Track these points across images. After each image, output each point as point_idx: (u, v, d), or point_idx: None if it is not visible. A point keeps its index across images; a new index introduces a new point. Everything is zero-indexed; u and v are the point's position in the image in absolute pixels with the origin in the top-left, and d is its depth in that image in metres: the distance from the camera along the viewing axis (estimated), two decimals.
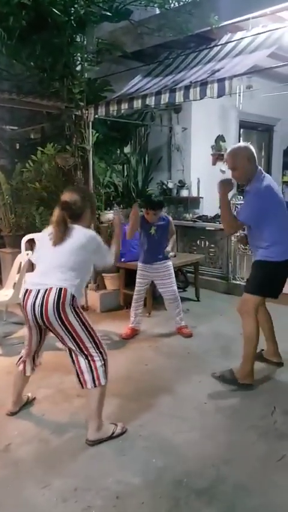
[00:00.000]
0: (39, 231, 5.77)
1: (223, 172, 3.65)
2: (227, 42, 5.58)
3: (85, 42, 5.81)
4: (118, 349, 4.59)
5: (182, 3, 5.76)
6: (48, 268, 2.92)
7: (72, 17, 5.32)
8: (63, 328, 2.85)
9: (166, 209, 7.27)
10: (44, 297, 2.83)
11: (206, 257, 6.77)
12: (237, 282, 6.42)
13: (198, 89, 4.67)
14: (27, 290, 2.95)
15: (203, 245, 7.00)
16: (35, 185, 6.26)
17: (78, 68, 6.02)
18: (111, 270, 5.90)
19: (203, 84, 4.65)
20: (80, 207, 2.98)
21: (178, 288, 5.16)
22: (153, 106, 5.40)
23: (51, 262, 2.92)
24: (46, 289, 2.84)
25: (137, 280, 4.96)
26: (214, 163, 8.08)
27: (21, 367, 3.24)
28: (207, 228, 6.93)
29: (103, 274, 6.05)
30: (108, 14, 5.70)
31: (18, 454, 2.88)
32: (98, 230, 5.62)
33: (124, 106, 5.37)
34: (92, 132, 5.98)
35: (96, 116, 5.82)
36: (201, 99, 4.74)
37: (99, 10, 5.63)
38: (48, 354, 3.53)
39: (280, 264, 3.58)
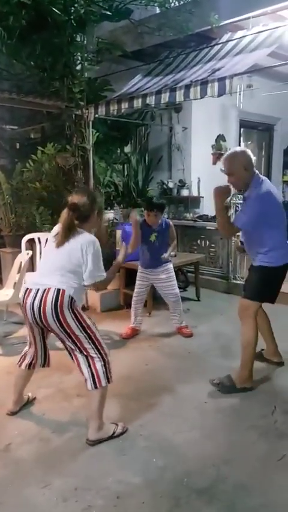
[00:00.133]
0: (40, 230, 5.85)
1: (223, 171, 3.60)
2: (227, 41, 5.59)
3: (85, 41, 5.82)
4: (118, 349, 4.59)
5: (182, 2, 5.77)
6: (50, 269, 2.93)
7: (72, 17, 5.32)
8: (61, 329, 2.85)
9: (166, 209, 7.28)
10: (42, 297, 2.84)
11: (206, 257, 6.77)
12: (238, 282, 6.41)
13: (198, 88, 4.67)
14: (27, 289, 2.96)
15: (203, 245, 7.00)
16: (35, 185, 6.26)
17: (79, 67, 6.02)
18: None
19: (204, 83, 4.65)
20: (88, 210, 2.97)
21: (178, 287, 5.15)
22: (153, 105, 5.40)
23: (53, 263, 2.93)
24: (45, 289, 2.85)
25: (137, 282, 4.95)
26: (214, 163, 8.06)
27: (25, 363, 3.24)
28: (207, 228, 6.92)
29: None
30: (108, 13, 5.71)
31: (18, 454, 2.88)
32: (98, 230, 5.61)
33: (124, 105, 5.38)
34: (92, 131, 5.99)
35: (97, 116, 5.82)
36: (201, 98, 4.74)
37: (99, 9, 5.63)
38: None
39: (279, 269, 3.56)
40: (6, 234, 6.65)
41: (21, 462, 2.79)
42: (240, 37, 5.49)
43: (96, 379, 2.90)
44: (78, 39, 5.79)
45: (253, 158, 3.57)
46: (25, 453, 2.88)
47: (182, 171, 8.19)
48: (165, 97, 4.95)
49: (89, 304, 5.93)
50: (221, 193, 3.47)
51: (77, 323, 2.86)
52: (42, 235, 5.40)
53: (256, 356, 3.82)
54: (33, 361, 3.24)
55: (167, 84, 5.26)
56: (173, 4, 5.77)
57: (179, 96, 4.82)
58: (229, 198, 3.73)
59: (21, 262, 5.05)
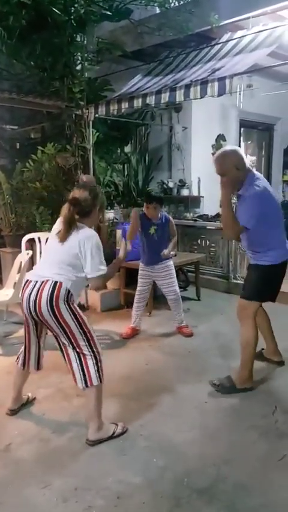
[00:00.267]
0: (40, 230, 5.85)
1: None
2: (227, 41, 5.59)
3: (85, 41, 5.82)
4: (118, 348, 4.59)
5: (182, 2, 5.77)
6: (50, 262, 2.96)
7: (72, 17, 5.32)
8: (56, 322, 2.85)
9: (166, 208, 7.29)
10: (39, 288, 2.85)
11: (206, 256, 6.77)
12: (238, 281, 6.41)
13: (198, 87, 4.67)
14: (27, 280, 2.99)
15: (203, 244, 6.99)
16: (36, 185, 6.27)
17: (79, 67, 6.03)
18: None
19: (204, 83, 4.65)
20: (89, 205, 2.98)
21: (179, 287, 5.15)
22: (153, 105, 5.41)
23: (53, 256, 2.95)
24: (43, 281, 2.86)
25: (139, 280, 4.96)
26: None
27: (20, 362, 3.24)
28: (207, 227, 6.93)
29: None
30: (109, 13, 5.71)
31: (18, 454, 2.88)
32: (99, 229, 5.62)
33: (124, 105, 5.38)
34: (92, 131, 5.99)
35: (97, 115, 5.82)
36: (201, 98, 4.75)
37: (99, 9, 5.63)
38: (47, 354, 3.52)
39: (277, 267, 3.53)
40: (6, 234, 6.65)
41: (21, 462, 2.79)
42: (240, 37, 5.49)
43: (87, 377, 2.89)
44: (78, 39, 5.79)
45: (244, 156, 3.49)
46: (25, 453, 2.88)
47: (182, 171, 8.19)
48: (165, 97, 4.95)
49: (89, 304, 5.93)
50: (231, 183, 3.39)
51: (73, 317, 2.86)
52: (42, 235, 5.40)
53: (256, 356, 3.82)
54: (27, 361, 3.23)
55: (167, 84, 5.27)
56: (173, 4, 5.77)
57: (179, 96, 4.83)
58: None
59: (21, 262, 5.05)
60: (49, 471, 2.69)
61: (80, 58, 6.01)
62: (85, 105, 5.84)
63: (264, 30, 5.22)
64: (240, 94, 6.86)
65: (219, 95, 4.56)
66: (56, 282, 2.83)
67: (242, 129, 9.14)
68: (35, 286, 2.89)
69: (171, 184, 8.18)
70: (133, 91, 5.60)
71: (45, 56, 5.54)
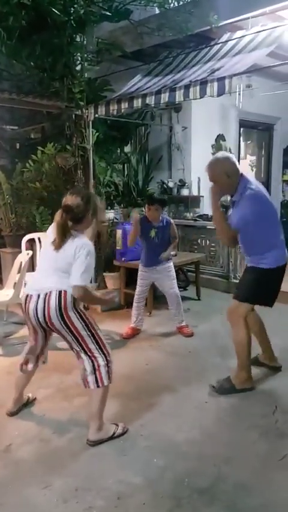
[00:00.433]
0: (40, 230, 5.85)
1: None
2: (226, 41, 5.59)
3: (85, 42, 5.82)
4: (119, 348, 4.59)
5: (181, 2, 5.77)
6: (47, 271, 2.95)
7: (72, 17, 5.32)
8: (67, 330, 2.87)
9: (167, 208, 7.29)
10: (45, 301, 2.85)
11: (206, 256, 6.77)
12: (238, 281, 6.40)
13: (198, 88, 4.68)
14: (27, 295, 2.97)
15: (203, 244, 7.00)
16: (36, 185, 6.27)
17: (78, 67, 6.03)
18: (112, 270, 5.94)
19: (203, 83, 4.65)
20: (82, 211, 2.96)
21: (179, 287, 5.16)
22: (153, 105, 5.41)
23: (50, 265, 2.94)
24: (46, 293, 2.86)
25: (138, 281, 4.97)
26: None
27: (22, 363, 3.25)
28: (207, 227, 6.92)
29: (104, 274, 6.06)
30: (108, 13, 5.70)
31: (18, 454, 2.88)
32: (99, 234, 5.64)
33: (124, 105, 5.38)
34: (92, 131, 5.99)
35: (97, 116, 5.83)
36: (201, 98, 4.75)
37: (99, 10, 5.63)
38: (48, 354, 3.53)
39: (273, 271, 3.48)
40: (6, 234, 6.66)
41: (21, 463, 2.80)
42: (240, 37, 5.49)
43: (99, 378, 2.91)
44: (78, 39, 5.79)
45: (237, 163, 3.49)
46: (25, 454, 2.88)
47: (182, 171, 8.19)
48: (164, 97, 4.96)
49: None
50: (222, 189, 3.47)
51: (82, 322, 2.88)
52: (42, 235, 5.39)
53: (252, 361, 3.82)
54: (26, 363, 3.24)
55: (167, 84, 5.27)
56: (172, 4, 5.76)
57: (179, 96, 4.83)
58: (227, 197, 3.67)
59: (21, 262, 5.06)
60: (49, 471, 2.69)
61: (79, 58, 6.01)
62: (85, 105, 5.84)
63: (264, 30, 5.22)
64: (239, 94, 6.84)
65: (219, 95, 4.56)
66: (60, 292, 2.83)
67: (241, 129, 9.13)
68: (38, 299, 2.88)
69: (171, 184, 8.18)
70: (133, 91, 5.61)
71: (45, 56, 5.54)
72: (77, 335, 2.88)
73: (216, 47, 5.68)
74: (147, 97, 5.12)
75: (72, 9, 5.36)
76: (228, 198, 3.62)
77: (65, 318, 2.83)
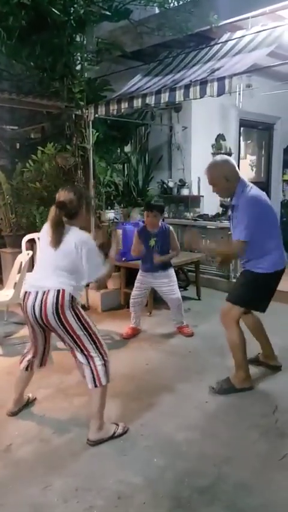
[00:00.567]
0: (40, 230, 5.82)
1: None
2: (226, 41, 5.58)
3: (85, 41, 5.82)
4: (119, 348, 4.59)
5: (181, 2, 5.77)
6: (46, 270, 2.95)
7: (71, 17, 5.32)
8: (63, 329, 2.87)
9: (167, 208, 7.29)
10: (42, 299, 2.85)
11: (207, 256, 6.76)
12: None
13: (198, 87, 4.67)
14: (26, 292, 2.97)
15: (203, 244, 6.98)
16: (36, 185, 6.27)
17: (78, 67, 6.03)
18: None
19: (203, 83, 4.65)
20: (75, 206, 2.98)
21: (179, 287, 5.15)
22: (153, 105, 5.40)
23: (49, 263, 2.94)
24: (44, 291, 2.86)
25: (136, 284, 4.95)
26: None
27: (23, 364, 3.25)
28: (208, 227, 6.92)
29: None
30: (108, 13, 5.70)
31: (19, 454, 2.88)
32: (99, 228, 5.63)
33: (124, 105, 5.38)
34: (92, 131, 5.99)
35: (97, 116, 5.82)
36: (201, 98, 4.75)
37: (99, 10, 5.63)
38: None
39: (270, 276, 3.46)
40: (6, 234, 6.66)
41: (21, 463, 2.80)
42: (240, 37, 5.48)
43: (96, 378, 2.91)
44: (77, 39, 5.79)
45: (235, 166, 3.50)
46: (26, 454, 2.89)
47: (182, 171, 8.18)
48: (164, 97, 4.95)
49: (89, 303, 5.93)
50: (191, 242, 3.57)
51: (78, 322, 2.87)
52: None
53: (253, 360, 3.81)
54: (32, 363, 3.24)
55: (167, 84, 5.27)
56: (172, 4, 5.76)
57: (179, 96, 4.82)
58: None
59: (21, 262, 5.06)
60: (50, 471, 2.69)
61: (79, 58, 6.01)
62: (85, 105, 5.84)
63: (264, 30, 5.22)
64: (239, 94, 6.85)
65: (219, 94, 4.55)
66: (58, 290, 2.83)
67: (241, 128, 9.13)
68: (36, 297, 2.88)
69: (171, 184, 8.18)
70: (133, 91, 5.60)
71: (45, 56, 5.54)
72: (73, 335, 2.88)
73: (216, 47, 5.67)
74: (147, 97, 5.12)
75: (72, 9, 5.36)
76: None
77: (61, 317, 2.83)
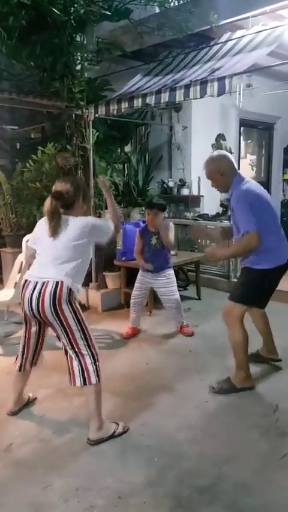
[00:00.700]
0: None
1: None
2: (226, 41, 5.58)
3: (85, 41, 5.82)
4: (119, 348, 4.59)
5: (181, 2, 5.76)
6: (46, 261, 2.95)
7: (72, 17, 5.32)
8: (58, 322, 2.87)
9: (167, 208, 7.29)
10: (41, 290, 2.86)
11: (207, 256, 6.76)
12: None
13: (198, 87, 4.67)
14: (26, 281, 2.98)
15: (203, 244, 7.00)
16: (36, 185, 6.27)
17: (78, 67, 6.03)
18: (113, 269, 5.95)
19: (203, 82, 4.65)
20: (72, 196, 3.00)
21: (179, 286, 5.14)
22: (153, 105, 5.40)
23: (49, 254, 2.95)
24: (43, 282, 2.86)
25: (136, 284, 4.95)
26: None
27: (18, 364, 3.25)
28: (208, 227, 6.92)
29: (104, 273, 6.06)
30: (108, 13, 5.70)
31: (19, 454, 2.88)
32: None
33: (124, 105, 5.37)
34: (92, 131, 5.99)
35: (97, 115, 5.82)
36: (201, 97, 4.74)
37: (99, 9, 5.63)
38: (48, 354, 3.54)
39: (270, 272, 3.45)
40: (6, 234, 6.66)
41: (22, 463, 2.80)
42: (240, 37, 5.48)
43: (86, 376, 2.91)
44: (78, 39, 5.79)
45: (232, 161, 3.54)
46: (26, 453, 2.89)
47: (182, 170, 8.18)
48: (165, 97, 4.95)
49: (90, 303, 5.93)
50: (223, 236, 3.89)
51: (73, 316, 2.88)
52: None
53: (253, 356, 3.81)
54: (24, 362, 3.23)
55: (167, 83, 5.26)
56: (172, 4, 5.76)
57: (179, 95, 4.82)
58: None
59: (21, 262, 5.05)
60: (50, 471, 2.69)
61: (79, 58, 6.01)
62: (85, 105, 5.84)
63: (264, 29, 5.22)
64: (240, 93, 6.86)
65: (219, 94, 4.55)
66: (57, 283, 2.84)
67: (242, 128, 9.13)
68: (35, 287, 2.89)
69: (171, 184, 8.18)
70: (133, 91, 5.60)
71: (45, 56, 5.54)
72: (67, 328, 2.88)
73: (216, 47, 5.67)
74: (147, 97, 5.12)
75: (72, 8, 5.36)
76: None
77: (58, 309, 2.83)
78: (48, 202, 2.95)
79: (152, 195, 7.69)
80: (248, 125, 9.36)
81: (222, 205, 7.28)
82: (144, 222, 5.02)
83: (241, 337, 3.58)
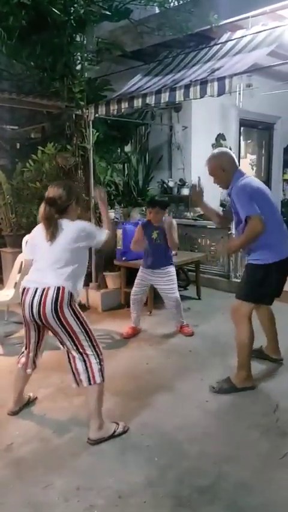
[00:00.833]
0: None
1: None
2: (226, 41, 5.58)
3: (85, 41, 5.82)
4: (119, 348, 4.59)
5: (181, 2, 5.77)
6: (45, 266, 2.95)
7: (72, 17, 5.32)
8: (61, 327, 2.87)
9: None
10: (42, 296, 2.85)
11: (207, 255, 6.77)
12: (239, 280, 6.39)
13: (198, 87, 4.67)
14: (24, 288, 2.98)
15: (204, 243, 6.99)
16: (36, 185, 6.26)
17: (78, 67, 6.03)
18: (112, 269, 5.95)
19: (203, 82, 4.65)
20: (66, 201, 3.01)
21: (179, 286, 5.14)
22: (153, 105, 5.40)
23: (47, 259, 2.95)
24: (44, 288, 2.86)
25: (136, 281, 4.95)
26: None
27: (21, 362, 3.25)
28: (208, 227, 6.92)
29: (104, 273, 6.06)
30: (108, 13, 5.71)
31: (19, 454, 2.88)
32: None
33: (124, 105, 5.37)
34: (92, 131, 5.99)
35: (97, 115, 5.82)
36: (201, 97, 4.74)
37: (99, 9, 5.63)
38: (48, 354, 3.53)
39: (273, 266, 3.44)
40: (6, 233, 6.66)
41: (22, 462, 2.80)
42: (240, 37, 5.48)
43: (91, 376, 2.92)
44: (78, 39, 5.79)
45: (233, 158, 3.61)
46: (26, 453, 2.89)
47: (182, 170, 8.19)
48: (165, 97, 4.95)
49: (89, 303, 5.93)
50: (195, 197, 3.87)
51: (75, 318, 2.89)
52: None
53: (256, 352, 3.82)
54: (25, 363, 3.24)
55: (167, 83, 5.26)
56: (172, 4, 5.76)
57: (179, 95, 4.82)
58: (227, 197, 3.76)
59: (21, 262, 5.05)
60: (50, 471, 2.69)
61: (79, 58, 6.01)
62: (85, 105, 5.84)
63: (264, 30, 5.22)
64: (240, 93, 6.87)
65: (219, 94, 4.55)
66: (58, 288, 2.84)
67: (242, 128, 9.14)
68: (35, 293, 2.89)
69: (171, 184, 8.19)
70: (133, 91, 5.60)
71: (45, 56, 5.54)
72: (70, 332, 2.88)
73: (216, 47, 5.67)
74: (147, 97, 5.12)
75: (72, 8, 5.36)
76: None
77: (60, 314, 2.84)
78: (42, 209, 2.97)
79: (152, 195, 7.69)
80: (248, 125, 9.37)
81: (222, 205, 7.27)
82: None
83: (248, 337, 3.58)
